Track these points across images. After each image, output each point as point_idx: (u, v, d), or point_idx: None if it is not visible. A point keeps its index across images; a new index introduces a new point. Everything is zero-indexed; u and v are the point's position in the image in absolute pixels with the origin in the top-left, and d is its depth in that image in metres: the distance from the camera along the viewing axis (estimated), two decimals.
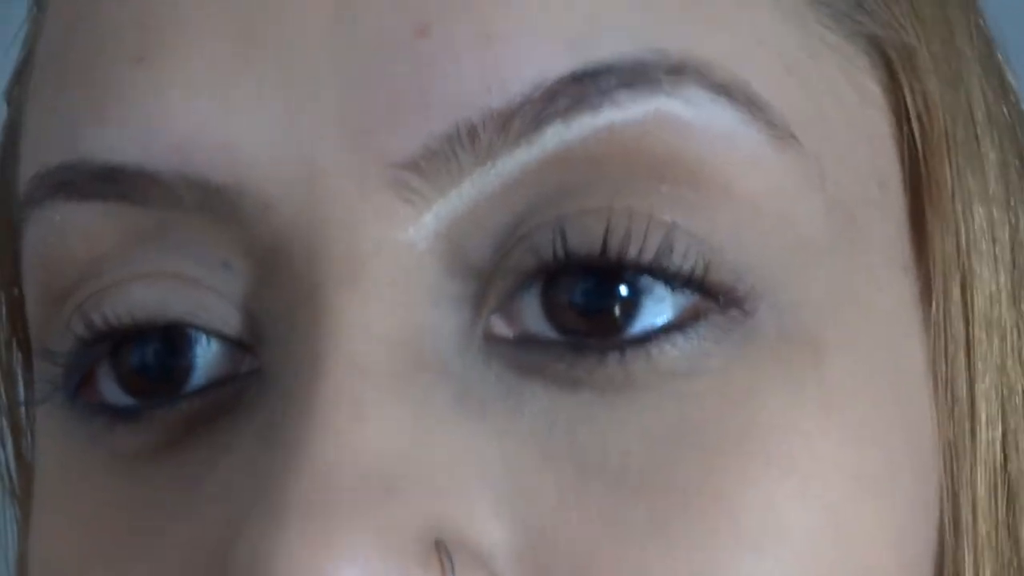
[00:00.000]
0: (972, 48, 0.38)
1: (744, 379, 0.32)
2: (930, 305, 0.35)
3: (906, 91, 0.35)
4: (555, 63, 0.31)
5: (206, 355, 0.33)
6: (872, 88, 0.35)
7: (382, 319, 0.31)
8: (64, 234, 0.34)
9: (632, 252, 0.31)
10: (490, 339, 0.32)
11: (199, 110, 0.32)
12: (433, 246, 0.32)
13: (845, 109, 0.34)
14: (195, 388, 0.34)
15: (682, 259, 0.31)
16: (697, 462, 0.31)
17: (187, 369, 0.34)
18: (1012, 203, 0.37)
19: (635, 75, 0.31)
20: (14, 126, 0.39)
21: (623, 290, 0.32)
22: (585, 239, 0.31)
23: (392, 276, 0.31)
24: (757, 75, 0.32)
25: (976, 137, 0.36)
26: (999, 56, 0.40)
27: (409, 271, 0.31)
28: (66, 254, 0.34)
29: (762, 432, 0.31)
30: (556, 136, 0.31)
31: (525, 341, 0.32)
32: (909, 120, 0.35)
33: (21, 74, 0.40)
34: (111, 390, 0.34)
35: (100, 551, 0.34)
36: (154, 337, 0.34)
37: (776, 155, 0.32)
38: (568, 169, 0.31)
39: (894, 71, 0.35)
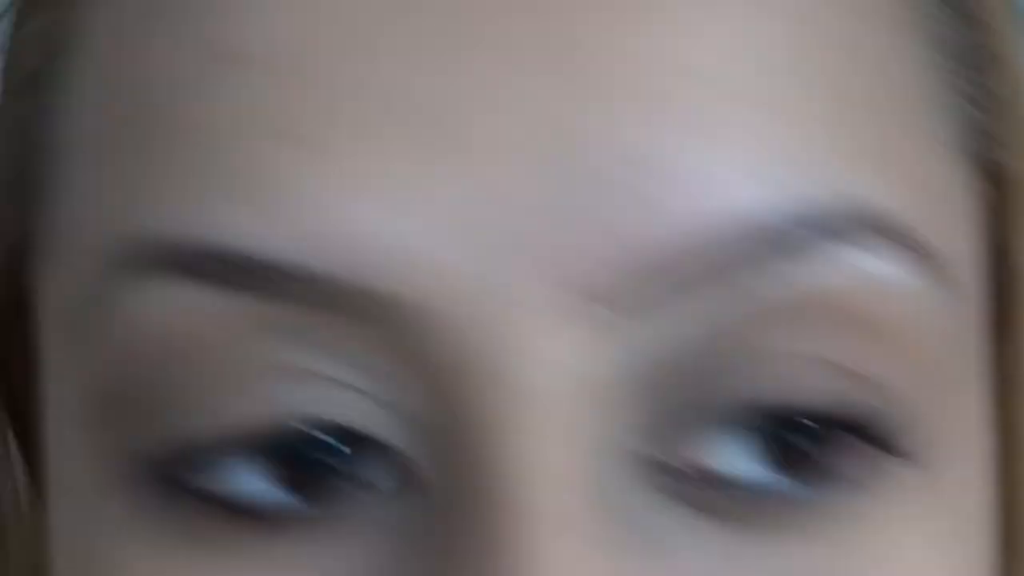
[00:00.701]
0: None
1: (894, 528, 0.32)
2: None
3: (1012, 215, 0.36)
4: (757, 208, 0.30)
5: (354, 459, 0.31)
6: (985, 215, 0.36)
7: (567, 461, 0.30)
8: (183, 314, 0.31)
9: (818, 401, 0.31)
10: (669, 474, 0.31)
11: (369, 208, 0.30)
12: (619, 378, 0.30)
13: (974, 240, 0.35)
14: (332, 490, 0.31)
15: (857, 408, 0.31)
16: None
17: (327, 471, 0.31)
18: None
19: (830, 227, 0.31)
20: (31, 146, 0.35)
21: (804, 435, 0.31)
22: (774, 383, 0.31)
23: (576, 412, 0.30)
24: (932, 223, 0.32)
25: None
26: None
27: (594, 405, 0.30)
28: (186, 337, 0.31)
29: None
30: (748, 280, 0.30)
31: (704, 479, 0.31)
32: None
33: (37, 77, 0.35)
34: (245, 481, 0.31)
35: None
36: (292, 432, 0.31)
37: (943, 301, 0.32)
38: (755, 311, 0.31)
39: (1006, 195, 0.36)
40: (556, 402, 0.30)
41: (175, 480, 0.32)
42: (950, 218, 0.33)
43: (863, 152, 0.31)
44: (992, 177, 0.35)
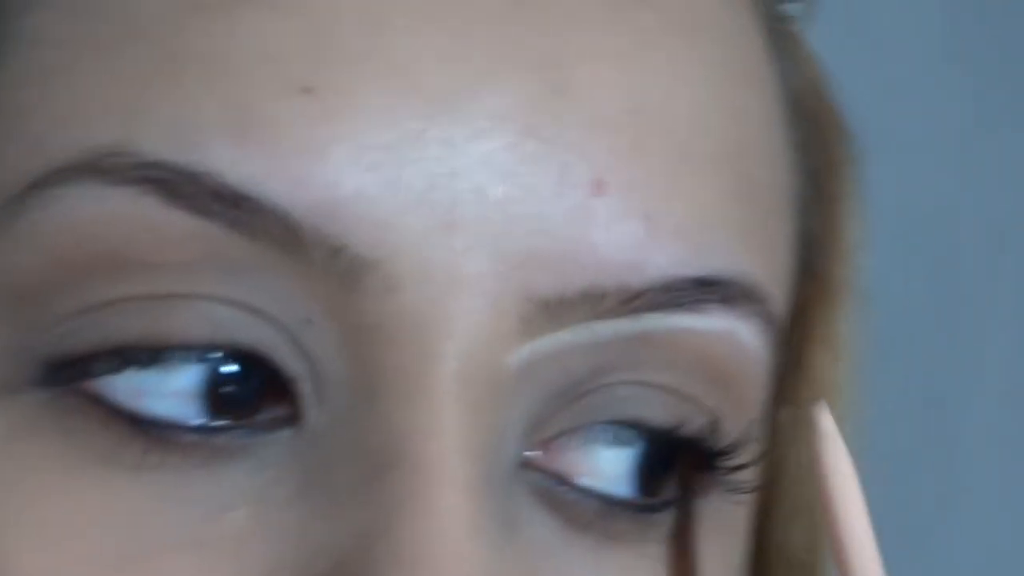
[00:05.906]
0: None
1: (710, 537, 0.38)
2: None
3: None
4: (685, 262, 0.35)
5: (264, 394, 0.33)
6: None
7: (468, 434, 0.33)
8: (144, 229, 0.32)
9: (662, 419, 0.36)
10: (529, 468, 0.35)
11: (363, 174, 0.32)
12: (523, 372, 0.33)
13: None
14: (238, 421, 0.33)
15: (694, 430, 0.36)
16: None
17: (236, 400, 0.33)
18: None
19: (729, 293, 0.35)
20: None
21: (656, 453, 0.36)
22: (649, 411, 0.36)
23: (484, 393, 0.33)
24: (779, 301, 0.38)
25: None
26: None
27: (499, 390, 0.33)
28: (143, 250, 0.32)
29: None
30: (654, 322, 0.35)
31: (560, 482, 0.35)
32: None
33: None
34: (158, 399, 0.33)
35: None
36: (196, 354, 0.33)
37: (775, 356, 0.38)
38: (650, 347, 0.35)
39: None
40: (468, 380, 0.32)
41: (85, 389, 0.32)
42: (786, 301, 0.38)
43: (752, 228, 0.36)
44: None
